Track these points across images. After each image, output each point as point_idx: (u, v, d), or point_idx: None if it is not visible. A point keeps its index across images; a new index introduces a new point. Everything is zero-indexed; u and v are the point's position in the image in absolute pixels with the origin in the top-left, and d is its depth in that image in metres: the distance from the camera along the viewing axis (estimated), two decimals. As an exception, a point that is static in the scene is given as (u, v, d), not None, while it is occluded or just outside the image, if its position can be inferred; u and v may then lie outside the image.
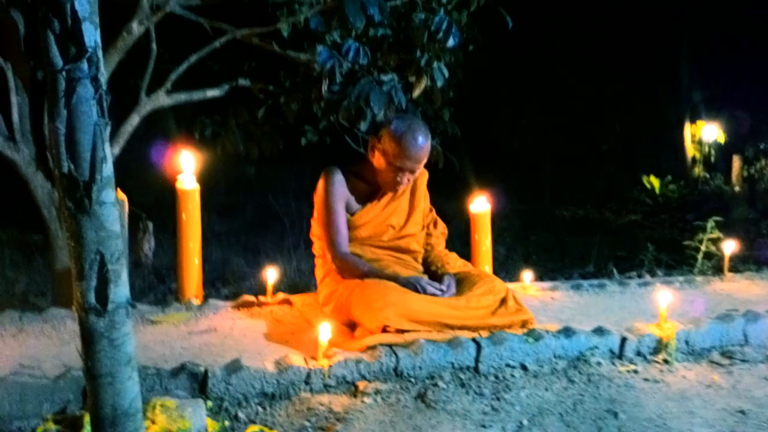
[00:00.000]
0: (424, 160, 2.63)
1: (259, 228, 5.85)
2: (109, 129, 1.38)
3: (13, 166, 2.93)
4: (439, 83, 3.18)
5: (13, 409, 1.84)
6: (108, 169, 1.39)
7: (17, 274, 4.42)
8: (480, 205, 3.23)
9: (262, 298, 2.87)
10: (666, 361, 2.49)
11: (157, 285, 4.35)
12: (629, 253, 5.33)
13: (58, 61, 1.31)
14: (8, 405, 1.84)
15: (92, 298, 1.39)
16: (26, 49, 2.96)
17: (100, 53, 1.35)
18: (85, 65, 1.32)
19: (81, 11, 1.29)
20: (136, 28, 2.91)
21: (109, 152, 1.39)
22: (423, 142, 2.58)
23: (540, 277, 3.55)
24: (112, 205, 1.40)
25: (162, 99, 3.16)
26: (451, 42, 3.04)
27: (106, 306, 1.40)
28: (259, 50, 3.38)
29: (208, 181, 3.12)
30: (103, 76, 1.36)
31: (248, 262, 4.83)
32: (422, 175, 2.79)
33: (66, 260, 3.07)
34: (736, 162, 7.89)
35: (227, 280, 4.52)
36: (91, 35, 1.32)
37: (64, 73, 1.31)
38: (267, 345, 2.40)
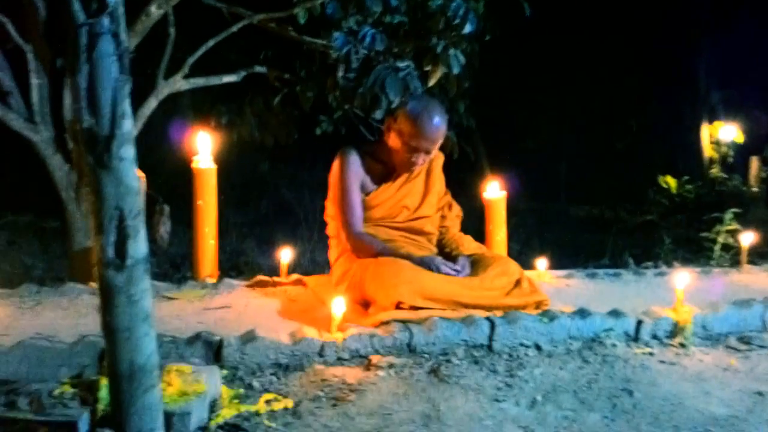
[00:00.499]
0: (440, 141, 2.64)
1: (273, 220, 5.88)
2: (129, 86, 1.40)
3: (32, 147, 2.98)
4: (455, 70, 3.17)
5: (31, 372, 1.86)
6: (128, 125, 1.40)
7: (34, 260, 4.47)
8: (494, 191, 3.21)
9: (276, 279, 2.89)
10: (682, 345, 2.47)
11: (173, 273, 4.38)
12: (645, 251, 5.28)
13: (80, 16, 1.33)
14: (26, 369, 1.86)
15: (111, 252, 1.41)
16: (46, 34, 3.00)
17: (121, 10, 1.37)
18: (106, 20, 1.34)
19: (104, -34, 1.31)
20: (154, 11, 2.95)
21: (129, 109, 1.41)
22: (439, 123, 2.58)
23: (555, 266, 3.53)
24: (132, 162, 1.42)
25: (179, 83, 3.19)
26: (467, 28, 3.04)
27: (125, 261, 1.41)
28: (276, 39, 3.41)
29: (222, 175, 3.14)
30: (124, 33, 1.38)
31: (262, 253, 4.85)
32: (438, 158, 2.79)
33: (83, 241, 3.10)
34: (755, 163, 7.78)
35: (241, 270, 4.55)
36: (114, -9, 1.34)
37: (85, 27, 1.33)
38: (281, 321, 2.41)
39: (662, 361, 2.33)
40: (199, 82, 3.25)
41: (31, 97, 2.94)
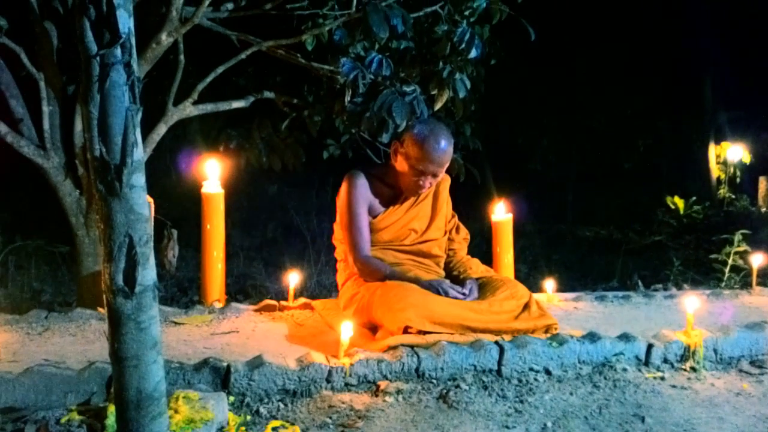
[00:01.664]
0: (447, 164, 2.64)
1: (280, 243, 5.89)
2: (140, 114, 1.42)
3: (43, 174, 3.01)
4: (461, 94, 3.19)
5: (38, 399, 1.86)
6: (138, 153, 1.42)
7: (43, 285, 4.49)
8: (501, 213, 3.22)
9: (283, 303, 2.89)
10: (693, 369, 2.44)
11: (180, 297, 4.39)
12: (654, 272, 5.25)
13: (93, 47, 1.35)
14: (34, 395, 1.86)
15: (120, 280, 1.41)
16: (59, 62, 3.05)
17: (133, 40, 1.39)
18: (118, 51, 1.36)
19: (116, -2, 1.33)
20: (164, 39, 2.99)
21: (140, 137, 1.43)
22: (445, 146, 2.59)
23: (563, 288, 3.51)
24: (142, 189, 1.43)
25: (189, 109, 3.22)
26: (473, 53, 3.06)
27: (134, 288, 1.42)
28: (284, 65, 3.45)
29: (231, 199, 3.15)
30: (136, 63, 1.40)
31: (269, 277, 4.86)
32: (444, 181, 2.80)
33: (92, 266, 3.12)
34: (763, 183, 7.77)
35: (248, 294, 4.55)
36: (125, 22, 1.36)
37: (98, 58, 1.35)
38: (289, 346, 2.40)
39: (674, 386, 2.31)
40: (209, 107, 3.28)
41: (42, 123, 2.97)
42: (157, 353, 1.46)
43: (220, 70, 3.21)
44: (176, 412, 1.71)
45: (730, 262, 3.90)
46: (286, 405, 2.00)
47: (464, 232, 2.88)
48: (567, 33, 7.36)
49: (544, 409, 2.09)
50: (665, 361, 2.47)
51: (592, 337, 2.44)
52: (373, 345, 2.32)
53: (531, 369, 2.31)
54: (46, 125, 2.98)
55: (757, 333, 2.62)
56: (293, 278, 2.98)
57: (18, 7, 2.91)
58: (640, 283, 4.14)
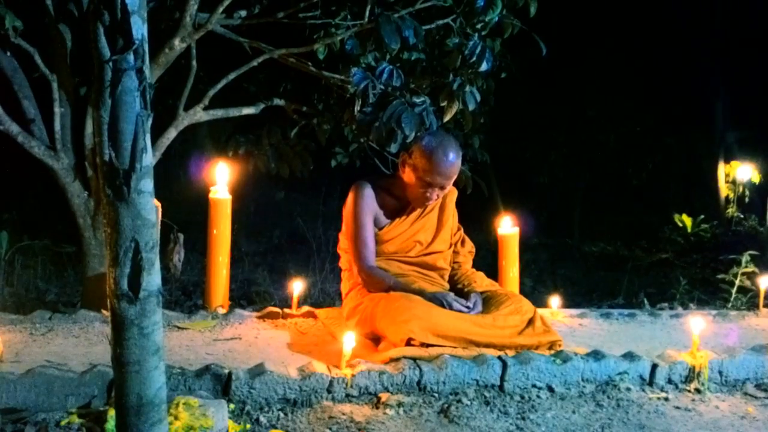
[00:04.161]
0: (454, 177, 2.64)
1: (285, 250, 5.89)
2: (150, 120, 1.42)
3: (52, 174, 3.03)
4: (471, 107, 3.19)
5: (39, 401, 1.86)
6: (147, 159, 1.42)
7: (48, 284, 4.50)
8: (508, 227, 3.21)
9: (286, 310, 2.89)
10: (698, 391, 2.42)
11: (184, 300, 4.39)
12: (660, 291, 5.21)
13: (106, 52, 1.35)
14: (35, 397, 1.86)
15: (125, 285, 1.41)
16: (72, 64, 3.07)
17: (146, 46, 1.39)
18: (131, 57, 1.37)
19: (130, 4, 1.34)
20: (177, 44, 3.01)
21: (150, 143, 1.43)
22: (454, 159, 2.59)
23: (568, 303, 3.50)
24: (150, 195, 1.43)
25: (199, 114, 3.24)
26: (484, 66, 3.07)
27: (138, 293, 1.41)
28: (294, 72, 3.46)
29: (238, 204, 3.15)
30: (148, 69, 1.40)
31: (274, 283, 4.85)
32: (451, 193, 2.80)
33: (97, 267, 3.12)
34: (773, 203, 7.72)
35: (252, 300, 4.55)
36: (139, 28, 1.37)
37: (110, 63, 1.36)
38: (290, 354, 2.40)
39: (677, 407, 2.29)
40: (219, 113, 3.30)
41: (53, 125, 2.99)
42: (159, 359, 1.46)
43: (231, 76, 3.23)
44: (176, 418, 1.70)
45: (737, 282, 3.87)
46: (286, 414, 1.99)
47: (469, 245, 2.87)
48: (578, 48, 7.36)
49: (546, 426, 2.07)
50: (669, 381, 2.45)
51: (596, 355, 2.42)
52: (375, 356, 2.31)
53: (534, 385, 2.29)
54: (57, 126, 2.99)
55: (763, 356, 2.60)
56: (297, 286, 2.97)
57: (33, 8, 2.93)
58: (645, 301, 4.11)
